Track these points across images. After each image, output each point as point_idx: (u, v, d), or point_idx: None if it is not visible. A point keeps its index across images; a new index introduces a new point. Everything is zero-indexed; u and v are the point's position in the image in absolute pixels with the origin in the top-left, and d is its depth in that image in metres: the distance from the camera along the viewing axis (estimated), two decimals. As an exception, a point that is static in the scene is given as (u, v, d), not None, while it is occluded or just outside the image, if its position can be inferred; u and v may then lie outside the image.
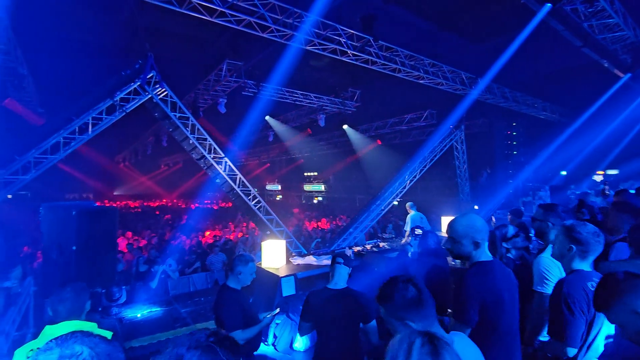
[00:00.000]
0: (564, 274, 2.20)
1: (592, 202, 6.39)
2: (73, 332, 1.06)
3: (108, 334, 1.96)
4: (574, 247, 1.94)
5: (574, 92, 11.10)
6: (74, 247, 3.41)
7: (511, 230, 2.96)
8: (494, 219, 6.51)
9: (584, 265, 1.95)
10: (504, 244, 2.94)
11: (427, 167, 11.12)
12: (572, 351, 1.80)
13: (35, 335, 1.94)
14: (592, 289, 1.75)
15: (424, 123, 13.66)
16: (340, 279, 2.80)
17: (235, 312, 2.71)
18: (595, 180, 11.35)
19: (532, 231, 2.92)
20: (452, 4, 9.37)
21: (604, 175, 12.02)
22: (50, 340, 1.03)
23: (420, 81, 9.65)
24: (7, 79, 8.89)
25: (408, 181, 10.81)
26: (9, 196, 6.41)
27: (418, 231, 5.30)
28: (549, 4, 6.23)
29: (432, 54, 9.46)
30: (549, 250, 2.41)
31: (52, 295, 2.04)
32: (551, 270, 2.32)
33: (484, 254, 1.96)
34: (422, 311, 1.41)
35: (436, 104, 12.68)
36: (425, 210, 7.96)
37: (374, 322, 2.66)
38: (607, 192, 6.71)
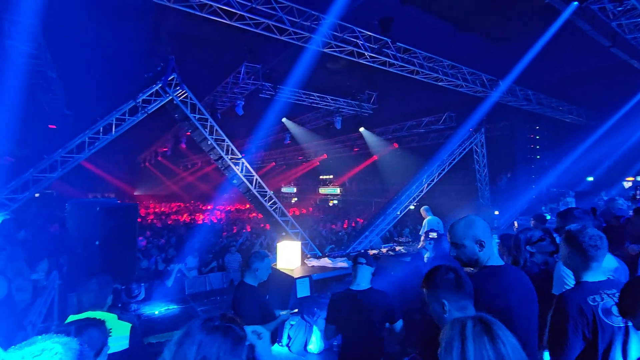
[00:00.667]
0: None
1: (619, 208, 6.11)
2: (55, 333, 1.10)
3: (127, 326, 2.01)
4: (574, 254, 1.83)
5: (601, 94, 10.69)
6: (97, 242, 3.52)
7: (537, 233, 2.86)
8: (516, 224, 6.31)
9: (591, 275, 1.80)
10: (529, 248, 2.84)
11: (445, 170, 10.92)
12: None
13: (59, 328, 2.00)
14: (595, 303, 1.65)
15: (442, 126, 13.43)
16: (364, 280, 2.77)
17: (253, 307, 2.75)
18: (624, 187, 10.85)
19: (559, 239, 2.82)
20: (472, 5, 9.21)
21: (634, 181, 11.48)
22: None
23: (439, 83, 9.51)
24: (37, 82, 9.32)
25: (425, 185, 10.64)
26: (37, 194, 6.70)
27: (433, 234, 5.19)
28: (576, 2, 6.03)
29: (451, 55, 9.32)
30: None
31: (79, 285, 2.11)
32: (571, 274, 2.23)
33: (493, 258, 1.86)
34: (458, 294, 1.50)
35: (455, 106, 12.44)
36: (443, 215, 7.79)
37: (400, 322, 2.66)
38: (638, 198, 6.40)
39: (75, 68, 10.63)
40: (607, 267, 2.14)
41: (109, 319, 2.01)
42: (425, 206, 7.87)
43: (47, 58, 8.70)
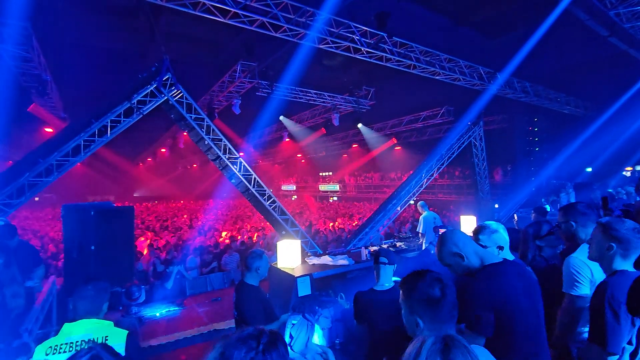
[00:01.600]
0: (595, 276, 2.06)
1: (620, 198, 6.07)
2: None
3: (123, 333, 1.97)
4: (614, 245, 1.78)
5: (600, 84, 10.63)
6: (93, 247, 3.47)
7: (546, 227, 2.80)
8: (516, 217, 6.26)
9: (627, 265, 1.80)
10: (538, 242, 2.78)
11: (444, 165, 10.87)
12: (613, 358, 1.66)
13: (57, 333, 1.97)
14: None
15: (440, 120, 13.39)
16: (387, 279, 2.73)
17: (257, 308, 2.75)
18: (625, 176, 10.82)
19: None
20: (467, -2, 9.15)
21: (632, 171, 11.45)
22: None
23: (436, 77, 9.44)
24: (32, 85, 9.24)
25: (425, 180, 10.59)
26: (36, 198, 6.63)
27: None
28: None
29: (448, 49, 9.24)
30: (580, 250, 2.27)
31: (75, 292, 2.07)
32: (582, 271, 2.18)
33: (489, 256, 1.85)
34: (437, 315, 1.36)
35: (453, 100, 12.40)
36: (443, 209, 7.75)
37: None
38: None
39: (69, 70, 10.55)
40: None
41: (105, 326, 1.98)
42: (421, 202, 7.82)
43: (42, 61, 8.62)
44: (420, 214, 7.69)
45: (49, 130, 13.15)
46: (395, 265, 2.80)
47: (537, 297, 1.82)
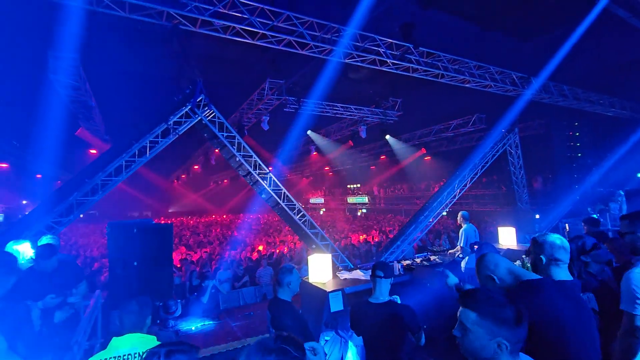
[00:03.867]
0: None
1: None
2: None
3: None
4: None
5: (647, 84, 9.92)
6: (135, 263, 3.64)
7: (589, 241, 2.60)
8: (567, 227, 5.84)
9: None
10: (583, 257, 2.59)
11: (478, 174, 10.47)
12: None
13: (103, 345, 2.07)
14: None
15: (471, 128, 12.98)
16: (382, 293, 2.77)
17: (293, 323, 2.74)
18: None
19: None
20: (496, 2, 8.92)
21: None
22: None
23: (466, 85, 9.23)
24: (79, 111, 10.01)
25: (458, 190, 10.24)
26: (81, 215, 7.10)
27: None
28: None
29: (477, 56, 9.03)
30: None
31: (120, 307, 2.17)
32: None
33: (526, 274, 1.84)
34: (518, 329, 1.31)
35: (484, 107, 12.01)
36: (479, 221, 7.40)
37: (422, 335, 2.64)
38: None
39: (110, 95, 11.34)
40: None
41: (149, 340, 2.04)
42: (463, 212, 7.44)
43: (87, 88, 9.35)
44: (461, 226, 7.35)
45: (93, 152, 14.14)
46: (392, 279, 2.83)
47: (585, 315, 1.71)
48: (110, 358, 1.94)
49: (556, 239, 1.96)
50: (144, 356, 1.42)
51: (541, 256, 1.95)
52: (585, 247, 2.60)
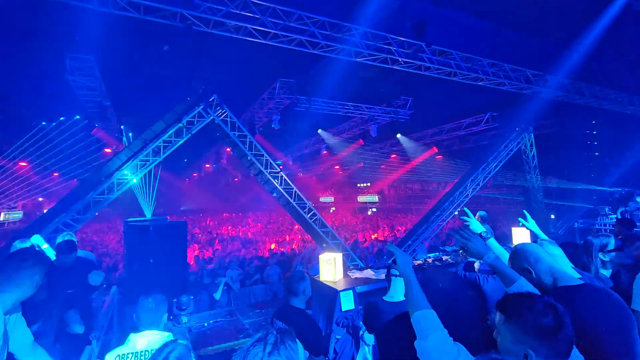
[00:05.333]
0: None
1: None
2: None
3: (183, 343, 2.07)
4: None
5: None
6: (151, 260, 3.72)
7: (613, 241, 2.52)
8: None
9: None
10: (601, 256, 2.50)
11: (491, 174, 10.33)
12: None
13: (119, 340, 2.13)
14: None
15: (484, 127, 12.79)
16: (397, 292, 2.74)
17: (310, 330, 2.71)
18: None
19: None
20: (510, -1, 8.75)
21: None
22: None
23: (479, 83, 9.09)
24: (94, 111, 10.24)
25: (470, 190, 10.12)
26: (97, 213, 7.28)
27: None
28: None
29: (491, 53, 8.89)
30: None
31: (137, 303, 2.22)
32: None
33: (564, 278, 1.68)
34: (552, 344, 1.18)
35: (498, 106, 11.80)
36: (493, 221, 7.30)
37: None
38: None
39: (125, 95, 11.54)
40: None
41: (165, 337, 2.09)
42: (481, 212, 7.32)
43: (102, 88, 9.56)
44: None
45: (108, 150, 14.43)
46: None
47: (623, 323, 1.54)
48: (129, 354, 1.99)
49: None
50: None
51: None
52: (607, 246, 2.52)
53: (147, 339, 2.05)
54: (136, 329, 2.16)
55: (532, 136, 10.72)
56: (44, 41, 7.93)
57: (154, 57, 10.87)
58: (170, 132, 7.04)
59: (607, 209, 8.53)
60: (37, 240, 3.65)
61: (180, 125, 7.04)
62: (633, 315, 1.61)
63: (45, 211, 11.98)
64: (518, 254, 1.83)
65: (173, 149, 7.19)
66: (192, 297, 6.88)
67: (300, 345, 1.37)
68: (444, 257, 7.03)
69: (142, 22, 5.90)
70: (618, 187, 10.35)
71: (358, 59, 7.60)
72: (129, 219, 4.45)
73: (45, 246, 3.61)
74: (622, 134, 11.36)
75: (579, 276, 1.80)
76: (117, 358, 1.98)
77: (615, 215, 6.74)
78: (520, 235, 6.75)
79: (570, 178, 12.57)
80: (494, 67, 9.00)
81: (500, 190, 15.44)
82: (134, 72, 11.33)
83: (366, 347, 4.91)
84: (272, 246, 11.88)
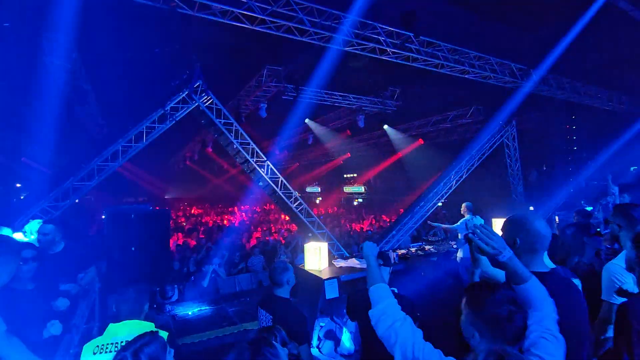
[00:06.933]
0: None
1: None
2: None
3: (164, 335, 2.06)
4: None
5: (644, 78, 9.91)
6: (133, 248, 3.66)
7: (591, 228, 2.64)
8: (557, 220, 5.95)
9: None
10: (586, 239, 2.61)
11: (474, 166, 10.53)
12: None
13: (100, 330, 2.10)
14: None
15: (469, 120, 12.98)
16: None
17: (297, 320, 2.73)
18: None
19: None
20: (497, -9, 8.80)
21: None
22: None
23: (466, 76, 9.18)
24: (74, 95, 9.85)
25: (454, 181, 10.31)
26: (77, 201, 7.08)
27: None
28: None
29: (478, 46, 8.96)
30: (621, 256, 2.13)
31: (116, 293, 2.19)
32: (624, 279, 2.05)
33: (537, 263, 1.65)
34: (498, 336, 1.28)
35: (483, 99, 11.97)
36: (474, 211, 7.50)
37: (416, 324, 2.64)
38: None
39: (106, 79, 11.13)
40: None
41: (146, 326, 2.07)
42: (467, 203, 7.49)
43: (82, 72, 9.18)
44: (463, 216, 7.42)
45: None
46: (391, 268, 2.91)
47: (581, 316, 1.60)
48: (108, 344, 1.97)
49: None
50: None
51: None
52: (590, 231, 2.63)
53: (127, 330, 2.03)
54: (116, 319, 2.13)
55: (515, 130, 10.95)
56: (20, 21, 7.53)
57: (136, 40, 10.49)
58: (153, 117, 6.86)
59: (582, 202, 8.85)
60: (8, 232, 3.54)
61: (164, 111, 6.86)
62: (582, 298, 1.66)
63: (22, 197, 11.59)
64: (513, 223, 1.82)
65: (156, 135, 7.02)
66: (176, 286, 6.87)
67: (278, 346, 1.45)
68: (427, 247, 7.19)
69: (125, 3, 5.66)
70: (594, 180, 10.73)
71: (347, 48, 7.54)
72: (109, 207, 4.36)
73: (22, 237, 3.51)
74: (600, 130, 11.73)
75: (553, 266, 1.86)
76: (96, 349, 1.95)
77: (591, 208, 7.02)
78: (499, 226, 6.96)
79: (549, 171, 12.96)
80: (481, 60, 9.09)
81: (483, 182, 15.76)
82: (115, 55, 10.92)
83: (349, 334, 5.01)
84: (259, 236, 11.86)
